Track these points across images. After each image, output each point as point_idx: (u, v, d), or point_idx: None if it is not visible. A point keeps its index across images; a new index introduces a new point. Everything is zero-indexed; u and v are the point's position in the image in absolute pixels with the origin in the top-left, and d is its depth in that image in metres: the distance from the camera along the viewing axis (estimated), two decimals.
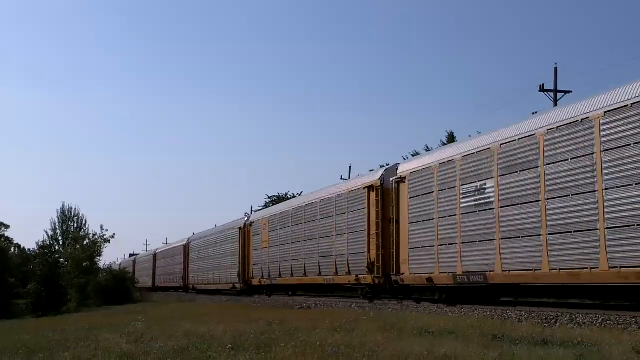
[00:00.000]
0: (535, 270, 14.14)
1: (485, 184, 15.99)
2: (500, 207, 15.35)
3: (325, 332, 10.65)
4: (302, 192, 53.33)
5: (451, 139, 43.38)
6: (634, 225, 11.88)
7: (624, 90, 12.47)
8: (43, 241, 65.25)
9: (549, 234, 13.81)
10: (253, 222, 34.47)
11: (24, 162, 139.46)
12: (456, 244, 16.95)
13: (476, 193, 16.29)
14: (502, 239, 15.25)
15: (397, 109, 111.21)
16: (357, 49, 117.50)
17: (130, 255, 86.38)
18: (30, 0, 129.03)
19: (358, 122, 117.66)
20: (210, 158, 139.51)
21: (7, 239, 65.46)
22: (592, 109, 13.04)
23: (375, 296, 21.89)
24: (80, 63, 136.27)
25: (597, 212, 12.66)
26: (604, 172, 12.58)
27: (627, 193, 12.08)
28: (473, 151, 16.62)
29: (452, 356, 7.72)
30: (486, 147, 16.08)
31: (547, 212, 13.89)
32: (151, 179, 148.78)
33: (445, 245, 17.44)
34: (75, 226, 72.31)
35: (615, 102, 12.54)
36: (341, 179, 42.25)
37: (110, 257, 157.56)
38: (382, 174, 21.54)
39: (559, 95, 33.84)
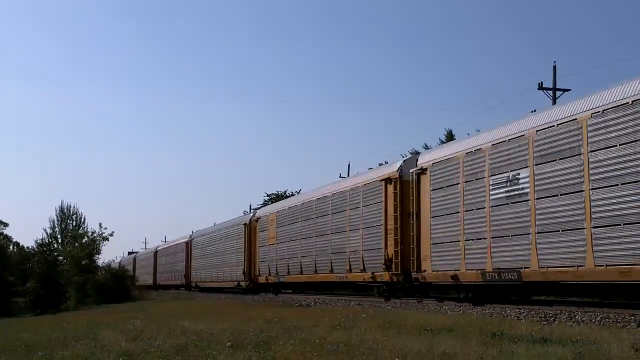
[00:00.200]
0: (579, 267, 13.01)
1: (518, 174, 14.85)
2: (537, 199, 14.22)
3: (324, 330, 10.55)
4: (300, 190, 52.65)
5: (450, 137, 43.40)
6: None
7: None
8: (42, 239, 65.54)
9: (594, 227, 12.68)
10: (259, 218, 33.26)
11: (23, 161, 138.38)
12: (485, 238, 15.82)
13: (508, 184, 15.15)
14: (538, 232, 14.12)
15: (396, 108, 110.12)
16: (357, 49, 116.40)
17: (129, 253, 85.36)
18: (30, 0, 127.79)
19: (357, 121, 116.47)
20: (210, 157, 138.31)
21: (6, 237, 65.64)
22: None
23: (392, 294, 20.73)
24: (80, 63, 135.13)
25: None
26: None
27: None
28: (504, 139, 15.47)
29: (451, 354, 7.65)
30: (520, 134, 14.94)
31: (592, 203, 12.76)
32: (150, 178, 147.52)
33: (473, 240, 16.30)
34: (74, 224, 72.64)
35: None
36: (339, 177, 41.82)
37: (109, 255, 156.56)
38: (401, 166, 20.33)
39: (558, 93, 32.76)
